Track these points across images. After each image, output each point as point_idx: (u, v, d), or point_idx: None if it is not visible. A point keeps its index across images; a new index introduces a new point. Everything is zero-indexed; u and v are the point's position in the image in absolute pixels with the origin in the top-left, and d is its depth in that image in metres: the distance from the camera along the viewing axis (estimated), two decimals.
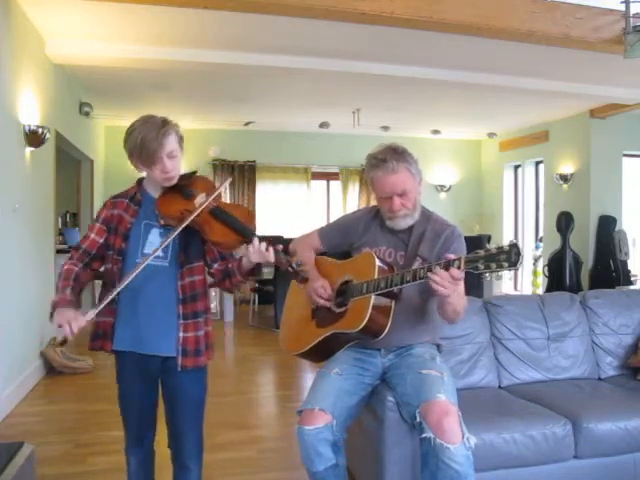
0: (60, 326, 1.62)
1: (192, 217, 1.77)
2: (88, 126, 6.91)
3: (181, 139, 1.85)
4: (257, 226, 1.87)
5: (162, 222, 1.83)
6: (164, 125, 1.78)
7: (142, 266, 1.73)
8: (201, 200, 1.82)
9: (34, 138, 4.12)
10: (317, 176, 9.11)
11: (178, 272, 1.84)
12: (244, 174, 8.59)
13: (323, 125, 7.76)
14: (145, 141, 1.75)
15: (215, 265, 1.91)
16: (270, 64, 4.99)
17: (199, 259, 1.90)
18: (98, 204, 7.56)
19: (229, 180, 1.98)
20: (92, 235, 1.85)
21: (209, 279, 1.96)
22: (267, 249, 1.76)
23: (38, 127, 4.13)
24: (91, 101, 6.51)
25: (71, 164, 7.19)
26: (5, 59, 3.64)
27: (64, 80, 5.51)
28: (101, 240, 1.85)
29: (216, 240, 1.80)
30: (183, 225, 1.76)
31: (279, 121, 8.12)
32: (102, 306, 1.72)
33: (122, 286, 1.71)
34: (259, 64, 4.99)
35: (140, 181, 1.93)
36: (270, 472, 2.83)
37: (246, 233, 1.79)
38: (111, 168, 7.94)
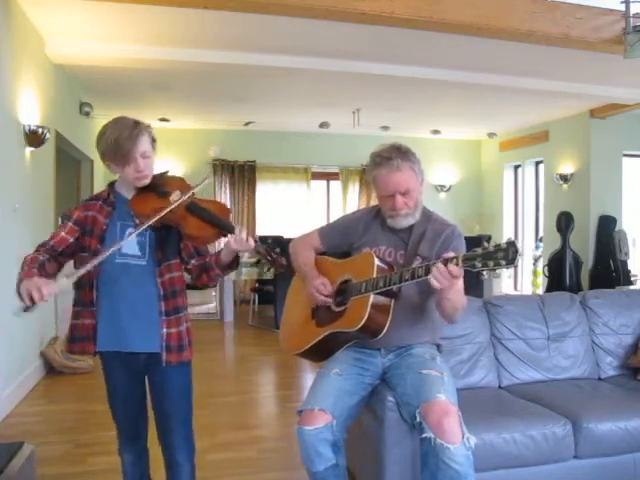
0: (29, 293, 1.59)
1: (168, 209, 1.79)
2: (88, 126, 6.91)
3: (153, 140, 1.88)
4: (237, 222, 1.89)
5: (138, 221, 1.85)
6: (136, 126, 1.81)
7: (110, 251, 1.74)
8: (176, 197, 1.85)
9: (34, 138, 4.12)
10: (317, 176, 9.11)
11: (157, 269, 1.87)
12: (244, 174, 8.59)
13: (323, 125, 7.76)
14: (119, 141, 1.77)
15: (192, 261, 1.94)
16: (270, 64, 5.00)
17: (175, 256, 1.93)
18: None
19: (208, 180, 1.99)
20: (62, 233, 1.85)
21: (186, 276, 1.98)
22: (247, 239, 1.80)
23: (38, 127, 4.13)
24: (91, 101, 6.51)
25: (71, 164, 7.18)
26: (5, 59, 3.65)
27: (64, 80, 5.51)
28: (71, 239, 1.86)
29: (193, 234, 1.83)
30: (160, 215, 1.77)
31: (279, 121, 8.12)
32: (72, 279, 1.70)
33: (90, 266, 1.71)
34: (259, 64, 4.99)
35: (112, 184, 1.96)
36: (270, 472, 2.83)
37: (224, 226, 1.83)
38: None
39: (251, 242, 1.80)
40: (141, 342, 1.87)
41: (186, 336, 1.94)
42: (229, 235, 1.82)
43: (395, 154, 2.10)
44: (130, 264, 1.83)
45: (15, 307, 1.64)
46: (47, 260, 1.82)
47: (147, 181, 1.87)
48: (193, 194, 1.88)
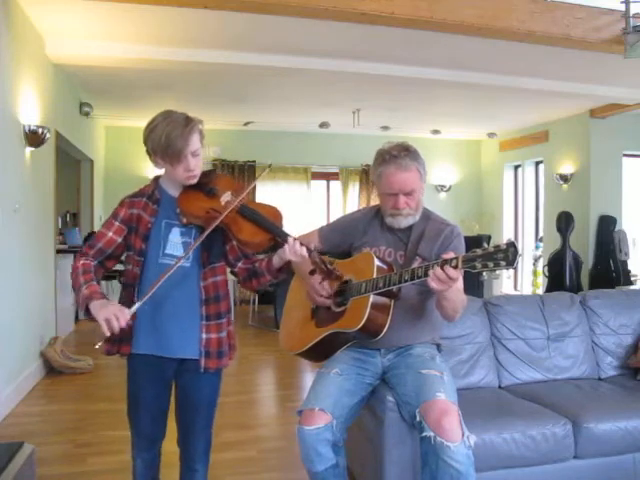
0: (107, 320, 1.57)
1: (224, 216, 1.72)
2: (88, 126, 6.92)
3: (203, 137, 1.81)
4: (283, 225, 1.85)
5: (185, 220, 1.78)
6: (188, 123, 1.73)
7: (169, 272, 1.68)
8: (227, 198, 1.79)
9: (34, 138, 4.12)
10: (317, 176, 9.11)
11: (200, 272, 1.81)
12: (244, 174, 8.58)
13: (323, 125, 7.76)
14: (170, 138, 1.69)
15: (239, 264, 1.89)
16: (270, 64, 4.99)
17: (221, 259, 1.87)
18: (98, 204, 7.58)
19: (256, 181, 1.95)
20: (110, 234, 1.78)
21: (232, 278, 1.93)
22: (300, 247, 1.75)
23: (38, 127, 4.13)
24: (91, 101, 6.51)
25: (71, 164, 7.19)
26: (5, 59, 3.64)
27: (64, 80, 5.51)
28: (119, 239, 1.79)
29: (245, 239, 1.76)
30: (214, 224, 1.72)
31: (279, 121, 8.11)
32: (142, 302, 1.66)
33: (153, 290, 1.66)
34: (259, 64, 4.99)
35: (157, 179, 1.88)
36: (270, 472, 2.83)
37: (277, 232, 1.76)
38: (111, 168, 7.93)
39: (305, 251, 1.75)
40: (179, 347, 1.81)
41: (227, 341, 1.88)
42: (284, 243, 1.75)
43: (404, 153, 2.10)
44: (172, 265, 1.74)
45: (97, 339, 1.67)
46: (96, 265, 1.78)
47: (196, 180, 1.80)
48: (245, 196, 1.82)
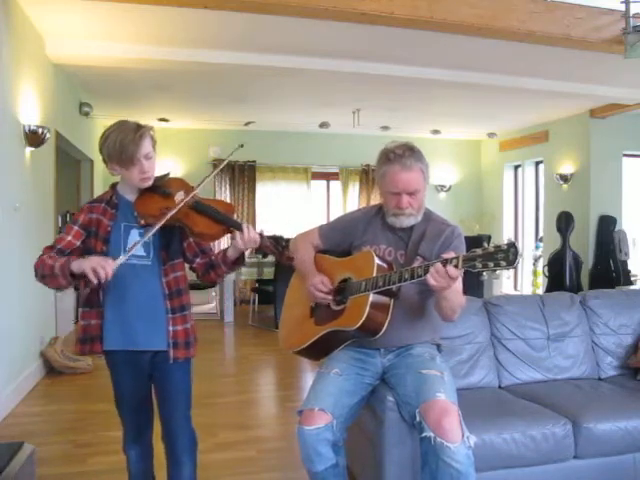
0: (94, 269, 1.67)
1: (175, 210, 1.84)
2: (88, 126, 6.91)
3: (154, 142, 1.91)
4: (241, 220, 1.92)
5: (142, 222, 1.89)
6: (139, 129, 1.84)
7: (138, 245, 1.81)
8: (181, 197, 1.89)
9: (34, 138, 4.12)
10: (317, 176, 9.11)
11: (161, 269, 1.92)
12: (244, 174, 8.58)
13: (323, 125, 7.76)
14: (123, 144, 1.80)
15: (197, 260, 1.99)
16: (270, 64, 4.99)
17: (179, 256, 1.98)
18: None
19: (208, 177, 2.02)
20: (69, 237, 1.89)
21: (190, 274, 2.03)
22: (253, 234, 1.84)
23: (38, 127, 4.13)
24: (91, 101, 6.51)
25: (71, 164, 7.19)
26: (5, 59, 3.64)
27: (64, 80, 5.51)
28: (77, 243, 1.89)
29: (201, 231, 1.87)
30: (166, 217, 1.82)
31: (279, 121, 8.12)
32: (128, 255, 1.77)
33: (130, 253, 1.78)
34: (259, 64, 4.99)
35: (114, 186, 1.99)
36: (270, 472, 2.83)
37: (230, 222, 1.88)
38: None
39: (257, 237, 1.84)
40: (148, 340, 1.91)
41: (192, 333, 1.98)
42: (236, 232, 1.86)
43: (408, 153, 2.11)
44: (135, 264, 1.86)
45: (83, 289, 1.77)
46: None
47: (150, 182, 1.91)
48: (196, 193, 1.92)
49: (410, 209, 2.14)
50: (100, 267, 1.68)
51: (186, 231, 1.91)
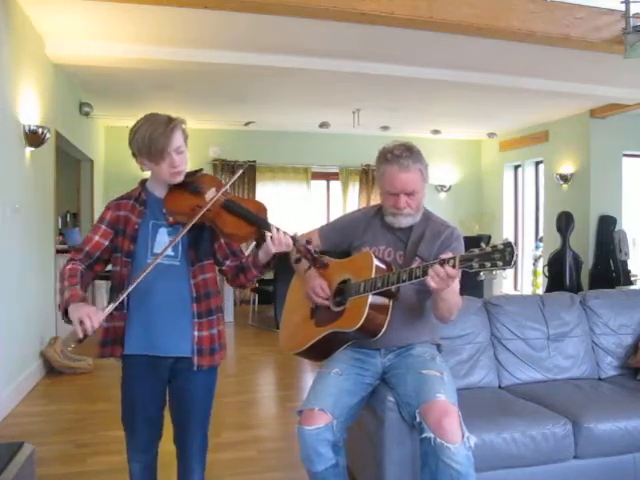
0: (81, 321, 1.57)
1: (205, 209, 1.75)
2: (88, 126, 6.92)
3: (186, 136, 1.83)
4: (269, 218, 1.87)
5: (171, 219, 1.80)
6: (170, 121, 1.77)
7: (154, 264, 1.71)
8: (212, 195, 1.81)
9: (34, 138, 4.12)
10: (317, 176, 9.11)
11: (190, 270, 1.83)
12: (244, 174, 8.58)
13: (323, 125, 7.76)
14: (153, 137, 1.72)
15: (227, 262, 1.91)
16: (270, 64, 4.99)
17: (209, 257, 1.89)
18: (98, 204, 7.57)
19: (240, 172, 1.96)
20: (96, 237, 1.81)
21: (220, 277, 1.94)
22: (285, 236, 1.77)
23: (38, 127, 4.13)
24: (91, 101, 6.51)
25: (71, 164, 7.19)
26: (5, 59, 3.64)
27: (64, 80, 5.51)
28: (106, 243, 1.81)
29: (230, 232, 1.79)
30: (196, 218, 1.74)
31: (279, 121, 8.12)
32: (117, 303, 1.68)
33: (135, 283, 1.69)
34: (259, 64, 4.99)
35: (143, 182, 1.91)
36: (270, 472, 2.83)
37: (261, 223, 1.79)
38: (111, 168, 7.94)
39: (289, 241, 1.77)
40: (171, 345, 1.82)
41: (218, 339, 1.89)
42: (267, 233, 1.78)
43: (407, 154, 2.11)
44: (163, 264, 1.77)
45: (69, 341, 1.66)
46: (85, 270, 1.79)
47: (181, 177, 1.83)
48: (228, 192, 1.85)
49: (408, 209, 2.14)
50: (87, 319, 1.57)
51: (216, 231, 1.82)
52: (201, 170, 1.94)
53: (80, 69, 5.35)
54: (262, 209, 1.86)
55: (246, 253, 1.95)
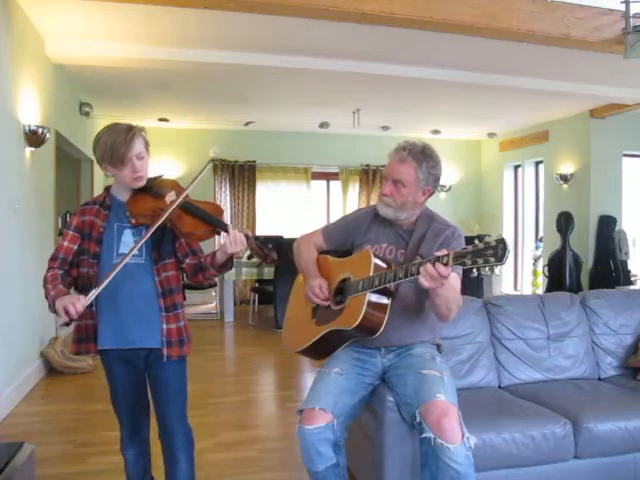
0: (65, 309, 1.71)
1: (168, 212, 1.87)
2: (88, 126, 6.91)
3: (147, 143, 1.95)
4: (234, 223, 1.94)
5: (134, 221, 1.92)
6: (130, 130, 1.89)
7: (124, 262, 1.83)
8: (172, 198, 1.93)
9: (34, 138, 4.12)
10: (317, 176, 9.11)
11: (154, 268, 1.95)
12: (244, 174, 8.58)
13: (323, 125, 7.76)
14: (114, 145, 1.85)
15: (187, 260, 2.01)
16: (270, 64, 4.99)
17: (171, 256, 2.00)
18: None
19: (196, 180, 2.02)
20: (65, 243, 1.93)
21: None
22: (240, 234, 1.87)
23: (38, 127, 4.13)
24: (91, 101, 6.51)
25: (71, 164, 7.19)
26: (5, 59, 3.65)
27: (64, 80, 5.51)
28: (75, 247, 1.93)
29: (189, 231, 1.91)
30: (160, 220, 1.86)
31: (279, 121, 8.12)
32: (99, 291, 1.79)
33: (109, 279, 1.80)
34: (259, 64, 4.99)
35: (107, 188, 2.02)
36: (270, 472, 2.83)
37: (217, 223, 1.92)
38: None
39: (243, 238, 1.87)
40: (142, 338, 1.93)
41: (185, 332, 2.01)
42: (223, 234, 1.90)
43: (409, 148, 2.17)
44: (128, 263, 1.87)
45: (60, 322, 1.79)
46: (63, 274, 1.92)
47: (143, 182, 1.94)
48: (187, 194, 1.96)
49: (390, 198, 2.16)
50: (71, 305, 1.71)
51: (175, 231, 1.94)
52: (161, 175, 2.06)
53: (80, 69, 5.35)
54: (218, 210, 2.00)
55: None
